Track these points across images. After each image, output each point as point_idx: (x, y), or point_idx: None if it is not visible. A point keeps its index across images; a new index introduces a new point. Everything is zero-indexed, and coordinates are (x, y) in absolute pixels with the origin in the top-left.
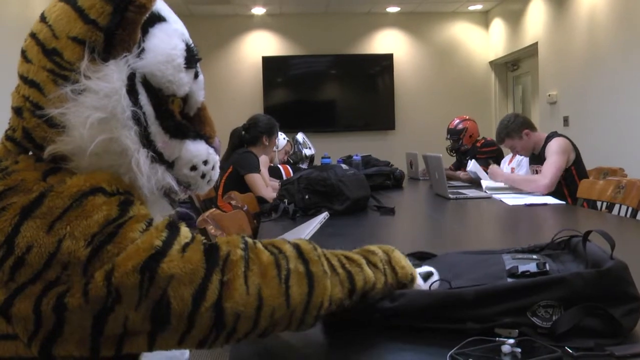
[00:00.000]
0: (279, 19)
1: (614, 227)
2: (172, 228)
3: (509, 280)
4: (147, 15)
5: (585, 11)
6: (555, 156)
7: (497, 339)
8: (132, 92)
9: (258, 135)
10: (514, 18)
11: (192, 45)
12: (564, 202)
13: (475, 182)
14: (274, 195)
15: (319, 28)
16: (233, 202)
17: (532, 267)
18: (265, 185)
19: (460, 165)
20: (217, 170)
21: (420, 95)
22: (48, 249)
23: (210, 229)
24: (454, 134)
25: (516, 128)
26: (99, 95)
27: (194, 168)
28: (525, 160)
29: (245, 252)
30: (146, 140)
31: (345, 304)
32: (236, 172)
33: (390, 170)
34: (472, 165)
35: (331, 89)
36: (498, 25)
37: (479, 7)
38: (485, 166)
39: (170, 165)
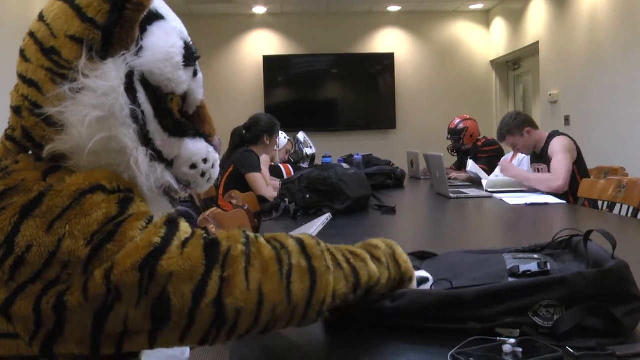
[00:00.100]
0: (280, 18)
1: (615, 227)
2: (171, 224)
3: (510, 279)
4: (145, 13)
5: (586, 10)
6: (561, 155)
7: (498, 338)
8: (130, 90)
9: (259, 134)
10: (515, 17)
11: (191, 43)
12: (565, 202)
13: (475, 182)
14: (275, 194)
15: (320, 27)
16: (234, 201)
17: (533, 266)
18: (266, 185)
19: (462, 165)
20: (217, 169)
21: (421, 95)
22: (48, 248)
23: (211, 228)
24: (455, 134)
25: (517, 125)
26: (97, 94)
27: (193, 166)
28: (526, 159)
29: (247, 247)
30: (145, 139)
31: (350, 299)
32: (237, 171)
33: (391, 169)
34: (472, 166)
35: (332, 88)
36: (499, 24)
37: (479, 6)
38: (486, 165)
39: (169, 163)
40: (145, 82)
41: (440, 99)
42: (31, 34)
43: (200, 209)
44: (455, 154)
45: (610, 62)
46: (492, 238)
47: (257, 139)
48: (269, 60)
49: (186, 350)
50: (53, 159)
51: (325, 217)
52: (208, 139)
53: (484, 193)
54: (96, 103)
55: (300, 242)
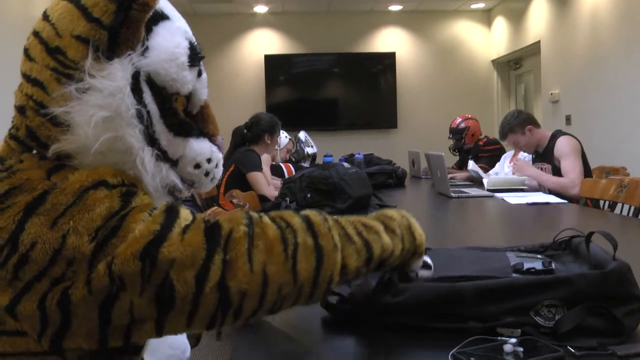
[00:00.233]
0: (281, 17)
1: (616, 227)
2: (171, 212)
3: (514, 275)
4: (150, 13)
5: (587, 9)
6: (572, 158)
7: (498, 338)
8: (136, 90)
9: (260, 133)
10: (517, 16)
11: (196, 43)
12: (566, 201)
13: (476, 181)
14: (276, 193)
15: (321, 26)
16: (235, 201)
17: (537, 264)
18: (267, 184)
19: (463, 164)
20: (221, 169)
21: (423, 94)
22: (53, 245)
23: None
24: (456, 133)
25: (519, 123)
26: (104, 94)
27: (197, 166)
28: (528, 158)
29: (250, 227)
30: (151, 139)
31: (363, 273)
32: (238, 171)
33: (393, 168)
34: (472, 165)
35: (333, 87)
36: (500, 23)
37: (481, 5)
38: (488, 165)
39: (174, 163)
40: (150, 82)
41: (441, 99)
42: (35, 33)
43: (201, 208)
44: (457, 154)
45: (612, 62)
46: (493, 237)
47: (258, 138)
48: (270, 60)
49: (187, 350)
50: (58, 158)
51: None
52: (212, 138)
53: (485, 192)
54: (102, 103)
55: (307, 220)
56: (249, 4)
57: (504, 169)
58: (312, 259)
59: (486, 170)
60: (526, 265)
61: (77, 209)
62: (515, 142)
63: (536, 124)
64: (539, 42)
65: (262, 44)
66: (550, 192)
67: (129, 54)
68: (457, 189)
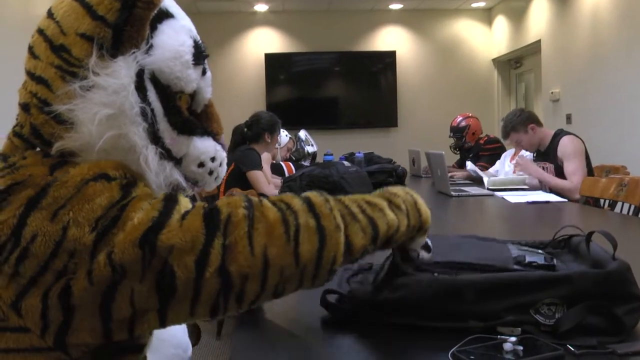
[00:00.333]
0: (282, 16)
1: (616, 225)
2: (170, 199)
3: (515, 267)
4: (155, 11)
5: (588, 8)
6: (576, 160)
7: (498, 336)
8: (140, 88)
9: (260, 132)
10: (517, 15)
11: (200, 41)
12: (566, 200)
13: (476, 180)
14: (276, 192)
15: (322, 25)
16: None
17: (539, 258)
18: (267, 183)
19: (464, 163)
20: (225, 167)
21: (423, 93)
22: (53, 237)
23: None
24: (457, 132)
25: (521, 122)
26: (108, 92)
27: (201, 165)
28: (529, 157)
29: (249, 210)
30: (154, 137)
31: (370, 250)
32: (238, 169)
33: (393, 167)
34: (470, 166)
35: (334, 86)
36: (501, 22)
37: (481, 4)
38: (488, 163)
39: (178, 161)
40: (155, 80)
41: (442, 97)
42: (40, 31)
43: None
44: (458, 152)
45: (613, 61)
46: (493, 236)
47: (258, 136)
48: (270, 58)
49: (188, 349)
50: (61, 155)
51: None
52: (216, 137)
53: (485, 191)
54: (106, 101)
55: (308, 201)
56: (250, 3)
57: (504, 168)
58: (314, 240)
59: (486, 169)
60: (528, 259)
61: (77, 199)
62: (518, 140)
63: (538, 123)
64: (539, 41)
65: (262, 42)
66: (551, 190)
67: (134, 52)
68: (457, 188)
